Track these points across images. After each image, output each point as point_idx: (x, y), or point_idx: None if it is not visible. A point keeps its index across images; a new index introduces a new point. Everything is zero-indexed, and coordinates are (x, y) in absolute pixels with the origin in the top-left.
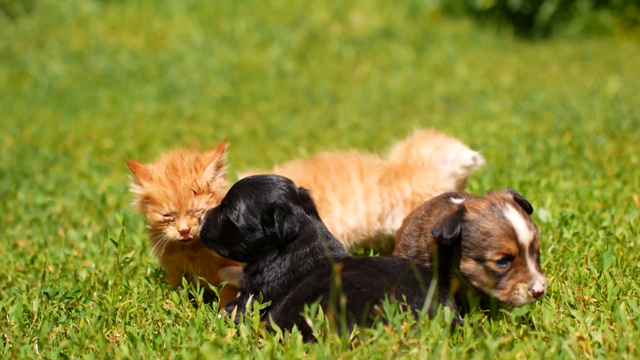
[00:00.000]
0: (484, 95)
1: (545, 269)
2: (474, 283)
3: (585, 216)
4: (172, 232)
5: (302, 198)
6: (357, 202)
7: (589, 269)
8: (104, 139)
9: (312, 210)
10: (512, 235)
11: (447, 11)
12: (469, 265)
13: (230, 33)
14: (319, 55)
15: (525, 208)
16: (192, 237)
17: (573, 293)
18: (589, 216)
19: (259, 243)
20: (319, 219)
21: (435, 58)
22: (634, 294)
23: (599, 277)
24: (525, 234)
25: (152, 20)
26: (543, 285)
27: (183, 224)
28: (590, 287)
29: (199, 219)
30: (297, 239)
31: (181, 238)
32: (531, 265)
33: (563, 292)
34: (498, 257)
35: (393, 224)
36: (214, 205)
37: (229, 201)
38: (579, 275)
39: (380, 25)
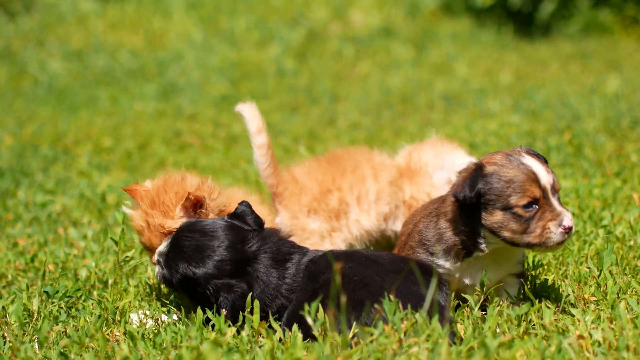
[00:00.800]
0: (484, 93)
1: (545, 267)
2: (505, 234)
3: (585, 215)
4: (149, 257)
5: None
6: (370, 202)
7: (589, 268)
8: (103, 138)
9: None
10: (534, 178)
11: (447, 9)
12: (496, 218)
13: (229, 31)
14: (319, 53)
15: (540, 159)
16: None
17: (573, 292)
18: (588, 215)
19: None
20: (263, 239)
21: (435, 56)
22: (633, 292)
23: (599, 276)
24: (545, 177)
25: (151, 19)
26: (571, 219)
27: (155, 257)
28: (590, 286)
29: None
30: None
31: None
32: (556, 203)
33: (563, 291)
34: (524, 202)
35: (394, 225)
36: None
37: (172, 258)
38: (579, 273)
39: (379, 23)
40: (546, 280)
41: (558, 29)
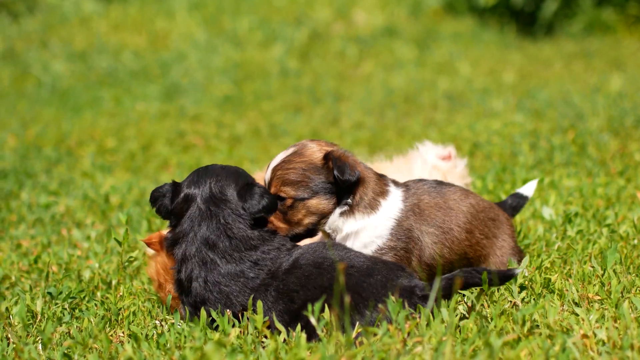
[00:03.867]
0: (487, 93)
1: (550, 266)
2: None
3: (589, 214)
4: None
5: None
6: None
7: (593, 267)
8: (107, 139)
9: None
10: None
11: (450, 9)
12: None
13: (233, 32)
14: (322, 53)
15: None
16: None
17: (577, 291)
18: (592, 214)
19: None
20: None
21: (438, 56)
22: (637, 291)
23: (603, 275)
24: (266, 173)
25: (154, 20)
26: None
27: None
28: (595, 285)
29: None
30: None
31: None
32: None
33: (567, 290)
34: None
35: None
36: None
37: None
38: (583, 273)
39: (382, 23)
40: (550, 279)
41: (561, 28)
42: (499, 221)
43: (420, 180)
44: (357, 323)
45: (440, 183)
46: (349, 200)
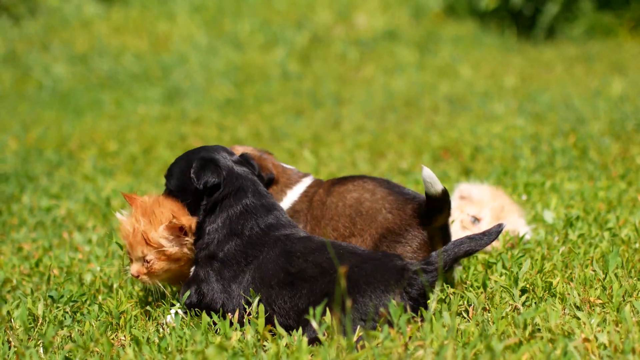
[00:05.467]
0: (488, 96)
1: (551, 269)
2: None
3: (590, 217)
4: (130, 269)
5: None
6: None
7: (594, 271)
8: (108, 142)
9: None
10: None
11: (451, 12)
12: None
13: (233, 34)
14: (323, 56)
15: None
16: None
17: (579, 294)
18: (594, 217)
19: (193, 204)
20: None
21: (439, 59)
22: (639, 295)
23: (604, 279)
24: None
25: (155, 22)
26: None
27: (133, 268)
28: (596, 289)
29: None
30: (225, 194)
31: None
32: None
33: (569, 294)
34: None
35: None
36: (162, 263)
37: (169, 172)
38: (584, 276)
39: (384, 26)
40: (551, 283)
41: (562, 32)
42: (370, 217)
43: (341, 178)
44: (354, 311)
45: (345, 179)
46: None
